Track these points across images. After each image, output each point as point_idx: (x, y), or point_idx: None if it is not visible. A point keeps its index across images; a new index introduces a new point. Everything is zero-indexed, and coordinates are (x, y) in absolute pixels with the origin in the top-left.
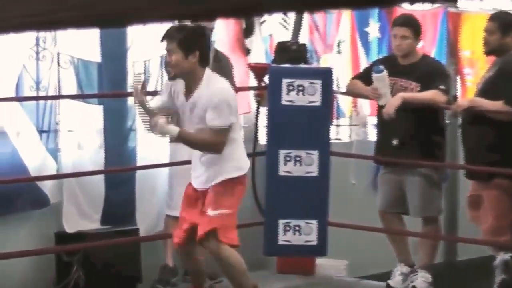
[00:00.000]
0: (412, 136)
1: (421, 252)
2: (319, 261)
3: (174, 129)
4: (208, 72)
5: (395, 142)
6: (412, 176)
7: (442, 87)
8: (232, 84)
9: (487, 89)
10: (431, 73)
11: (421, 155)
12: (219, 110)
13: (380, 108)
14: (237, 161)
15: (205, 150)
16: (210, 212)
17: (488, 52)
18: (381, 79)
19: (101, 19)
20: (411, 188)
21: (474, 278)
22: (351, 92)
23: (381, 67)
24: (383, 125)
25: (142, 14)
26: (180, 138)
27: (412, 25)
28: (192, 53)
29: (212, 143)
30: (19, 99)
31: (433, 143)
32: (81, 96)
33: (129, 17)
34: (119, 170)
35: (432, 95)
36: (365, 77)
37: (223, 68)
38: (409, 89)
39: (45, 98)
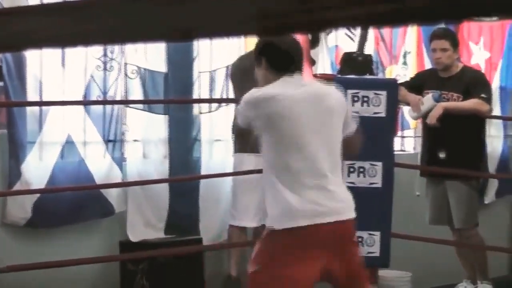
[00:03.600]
0: (456, 148)
1: (469, 263)
2: (382, 272)
3: None
4: (283, 79)
5: (441, 155)
6: (456, 187)
7: (483, 95)
8: None
9: None
10: (472, 83)
11: (466, 167)
12: None
13: (425, 123)
14: (281, 207)
15: None
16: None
17: None
18: (431, 103)
19: (167, 34)
20: (457, 199)
21: None
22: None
23: (440, 97)
24: (428, 138)
25: (209, 29)
26: None
27: (450, 37)
28: (261, 61)
29: None
30: (85, 103)
31: (476, 154)
32: (143, 102)
33: (196, 32)
34: (184, 179)
35: (474, 104)
36: (408, 86)
37: None
38: (451, 101)
39: (110, 102)
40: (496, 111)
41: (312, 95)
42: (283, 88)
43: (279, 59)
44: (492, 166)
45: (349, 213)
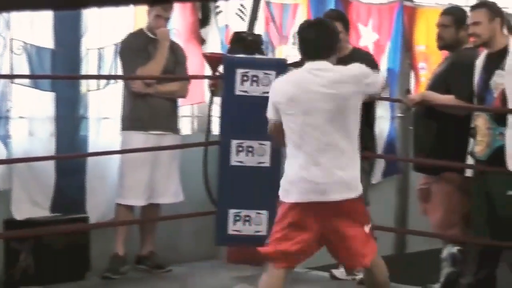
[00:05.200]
0: None
1: None
2: None
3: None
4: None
5: None
6: None
7: None
8: (185, 74)
9: (439, 83)
10: None
11: None
12: None
13: None
14: (284, 181)
15: None
16: None
17: (441, 47)
18: None
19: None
20: None
21: (422, 270)
22: None
23: None
24: None
25: None
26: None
27: (342, 19)
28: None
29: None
30: None
31: (365, 135)
32: (30, 77)
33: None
34: (71, 157)
35: None
36: (297, 67)
37: (177, 58)
38: None
39: None
40: (384, 92)
41: (329, 82)
42: (296, 75)
43: (301, 46)
44: (379, 147)
45: (338, 195)
